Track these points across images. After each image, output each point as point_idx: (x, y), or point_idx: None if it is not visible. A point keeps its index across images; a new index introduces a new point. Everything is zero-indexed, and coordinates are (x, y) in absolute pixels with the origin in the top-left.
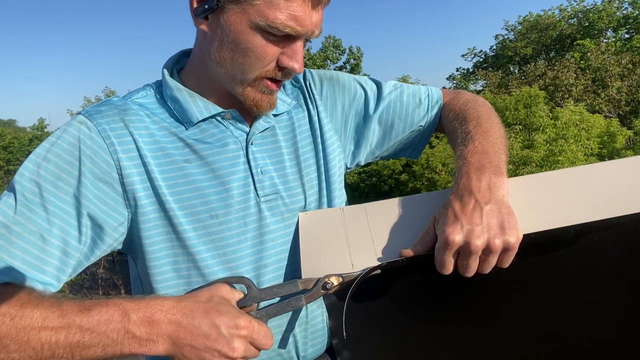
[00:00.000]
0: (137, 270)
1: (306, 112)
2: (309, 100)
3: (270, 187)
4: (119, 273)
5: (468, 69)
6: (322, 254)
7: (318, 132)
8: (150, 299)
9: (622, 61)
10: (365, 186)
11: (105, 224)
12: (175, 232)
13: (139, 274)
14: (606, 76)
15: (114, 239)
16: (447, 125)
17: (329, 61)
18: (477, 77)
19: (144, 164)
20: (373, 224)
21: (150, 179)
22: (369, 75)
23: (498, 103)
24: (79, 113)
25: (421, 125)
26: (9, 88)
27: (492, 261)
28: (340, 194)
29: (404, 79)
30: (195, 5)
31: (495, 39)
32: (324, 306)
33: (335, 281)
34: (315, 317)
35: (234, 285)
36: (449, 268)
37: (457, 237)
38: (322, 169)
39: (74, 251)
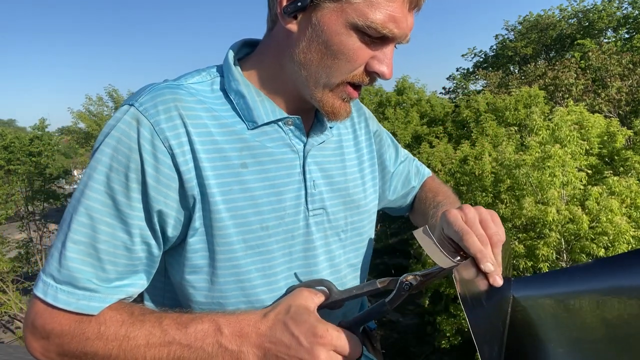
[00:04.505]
0: (169, 277)
1: (356, 139)
2: (357, 131)
3: (319, 201)
4: None
5: (468, 69)
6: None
7: (366, 163)
8: (238, 314)
9: (623, 61)
10: None
11: (169, 225)
12: (219, 244)
13: (168, 276)
14: (606, 76)
15: (175, 238)
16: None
17: None
18: (477, 77)
19: (196, 168)
20: None
21: (201, 185)
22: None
23: (498, 103)
24: (131, 105)
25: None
26: (9, 88)
27: None
28: (372, 222)
29: (403, 79)
30: (285, 3)
31: (495, 38)
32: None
33: (413, 281)
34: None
35: (316, 287)
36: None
37: None
38: (367, 192)
39: (157, 250)
